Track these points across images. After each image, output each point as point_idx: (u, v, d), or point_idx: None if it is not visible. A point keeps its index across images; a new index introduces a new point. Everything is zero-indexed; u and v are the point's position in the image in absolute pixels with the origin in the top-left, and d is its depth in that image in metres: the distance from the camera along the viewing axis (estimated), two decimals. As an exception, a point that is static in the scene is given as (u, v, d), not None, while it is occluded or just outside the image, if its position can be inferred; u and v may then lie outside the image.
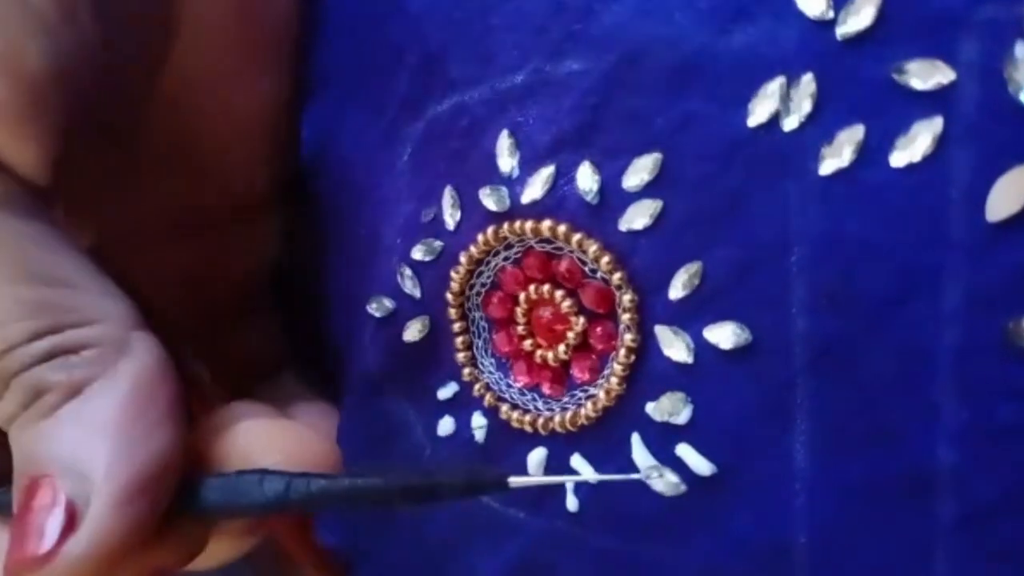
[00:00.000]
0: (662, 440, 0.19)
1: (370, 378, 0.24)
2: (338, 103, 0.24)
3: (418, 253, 0.22)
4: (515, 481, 0.18)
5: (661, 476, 0.18)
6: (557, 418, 0.20)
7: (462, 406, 0.22)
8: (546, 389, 0.21)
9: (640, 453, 0.19)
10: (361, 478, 0.18)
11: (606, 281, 0.19)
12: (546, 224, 0.19)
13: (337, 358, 0.26)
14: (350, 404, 0.25)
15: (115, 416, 0.19)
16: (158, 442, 0.19)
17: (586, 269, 0.19)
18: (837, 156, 0.16)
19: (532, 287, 0.20)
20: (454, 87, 0.20)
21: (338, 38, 0.24)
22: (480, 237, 0.20)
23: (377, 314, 0.23)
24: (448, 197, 0.21)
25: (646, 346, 0.19)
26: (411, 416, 0.24)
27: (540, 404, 0.21)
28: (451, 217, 0.21)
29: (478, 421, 0.22)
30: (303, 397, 0.27)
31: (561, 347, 0.20)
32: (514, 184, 0.19)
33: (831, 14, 0.16)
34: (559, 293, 0.20)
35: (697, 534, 0.18)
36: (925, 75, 0.15)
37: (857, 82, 0.16)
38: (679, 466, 0.18)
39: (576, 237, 0.19)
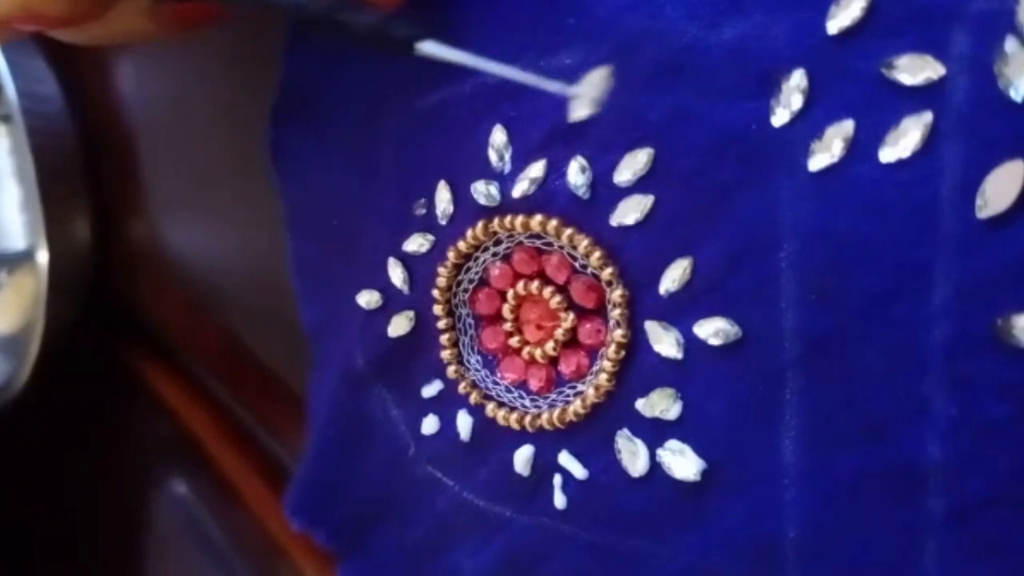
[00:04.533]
0: (652, 436, 0.19)
1: (356, 373, 0.24)
2: (317, 95, 0.24)
3: (411, 246, 0.21)
4: (423, 47, 0.17)
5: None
6: (545, 415, 0.20)
7: (447, 404, 0.22)
8: (533, 386, 0.21)
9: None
10: None
11: (596, 276, 0.19)
12: (537, 219, 0.19)
13: (323, 352, 0.26)
14: (334, 398, 0.25)
15: None
16: None
17: (576, 264, 0.19)
18: (827, 151, 0.16)
19: (521, 283, 0.20)
20: (444, 79, 0.20)
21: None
22: (469, 232, 0.20)
23: (366, 307, 0.23)
24: (443, 191, 0.20)
25: (636, 342, 0.19)
26: (395, 413, 0.24)
27: (527, 401, 0.21)
28: (444, 212, 0.21)
29: (463, 419, 0.22)
30: None
31: (549, 343, 0.20)
32: (505, 179, 0.19)
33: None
34: (548, 289, 0.20)
35: (687, 529, 0.18)
36: (915, 70, 0.15)
37: (847, 77, 0.16)
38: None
39: (567, 232, 0.19)
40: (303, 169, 0.25)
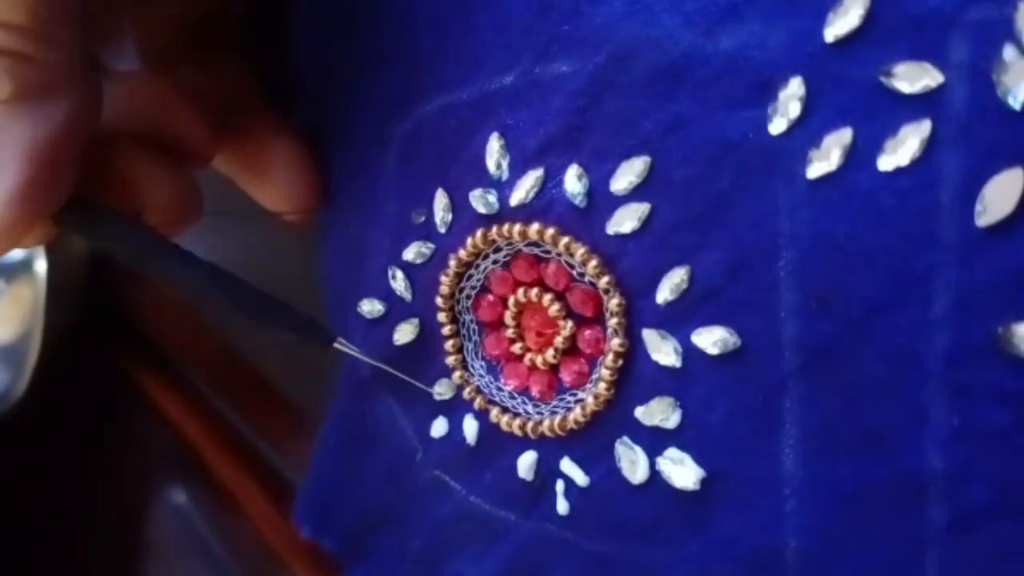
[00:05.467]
0: (652, 444, 0.18)
1: (361, 380, 0.24)
2: (326, 102, 0.24)
3: (410, 255, 0.21)
4: (340, 344, 0.22)
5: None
6: (546, 422, 0.20)
7: (455, 408, 0.22)
8: (535, 392, 0.21)
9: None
10: (216, 279, 0.21)
11: (593, 285, 0.19)
12: (534, 227, 0.19)
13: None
14: (339, 404, 0.25)
15: (29, 150, 0.18)
16: (57, 190, 0.19)
17: (574, 273, 0.19)
18: (825, 159, 0.16)
19: (521, 290, 0.20)
20: (442, 87, 0.20)
21: (326, 37, 0.23)
22: (469, 240, 0.20)
23: (368, 316, 0.23)
24: (440, 199, 0.20)
25: (634, 350, 0.19)
26: (401, 419, 0.24)
27: (530, 407, 0.21)
28: (443, 220, 0.21)
29: (470, 424, 0.22)
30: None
31: (550, 351, 0.20)
32: (503, 187, 0.19)
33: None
34: (547, 297, 0.20)
35: (688, 538, 0.18)
36: (913, 78, 0.15)
37: (845, 85, 0.16)
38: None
39: (564, 240, 0.19)
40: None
